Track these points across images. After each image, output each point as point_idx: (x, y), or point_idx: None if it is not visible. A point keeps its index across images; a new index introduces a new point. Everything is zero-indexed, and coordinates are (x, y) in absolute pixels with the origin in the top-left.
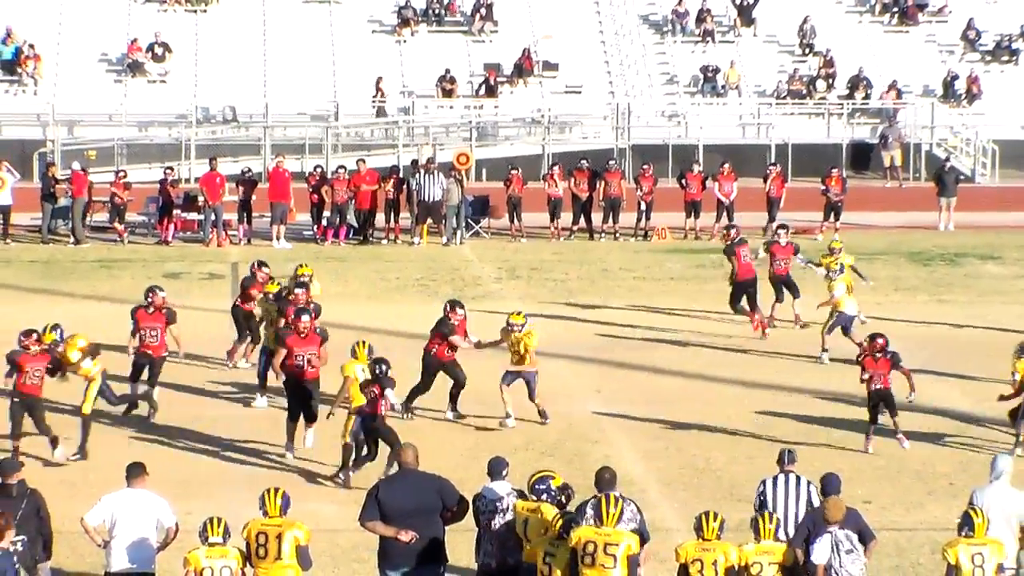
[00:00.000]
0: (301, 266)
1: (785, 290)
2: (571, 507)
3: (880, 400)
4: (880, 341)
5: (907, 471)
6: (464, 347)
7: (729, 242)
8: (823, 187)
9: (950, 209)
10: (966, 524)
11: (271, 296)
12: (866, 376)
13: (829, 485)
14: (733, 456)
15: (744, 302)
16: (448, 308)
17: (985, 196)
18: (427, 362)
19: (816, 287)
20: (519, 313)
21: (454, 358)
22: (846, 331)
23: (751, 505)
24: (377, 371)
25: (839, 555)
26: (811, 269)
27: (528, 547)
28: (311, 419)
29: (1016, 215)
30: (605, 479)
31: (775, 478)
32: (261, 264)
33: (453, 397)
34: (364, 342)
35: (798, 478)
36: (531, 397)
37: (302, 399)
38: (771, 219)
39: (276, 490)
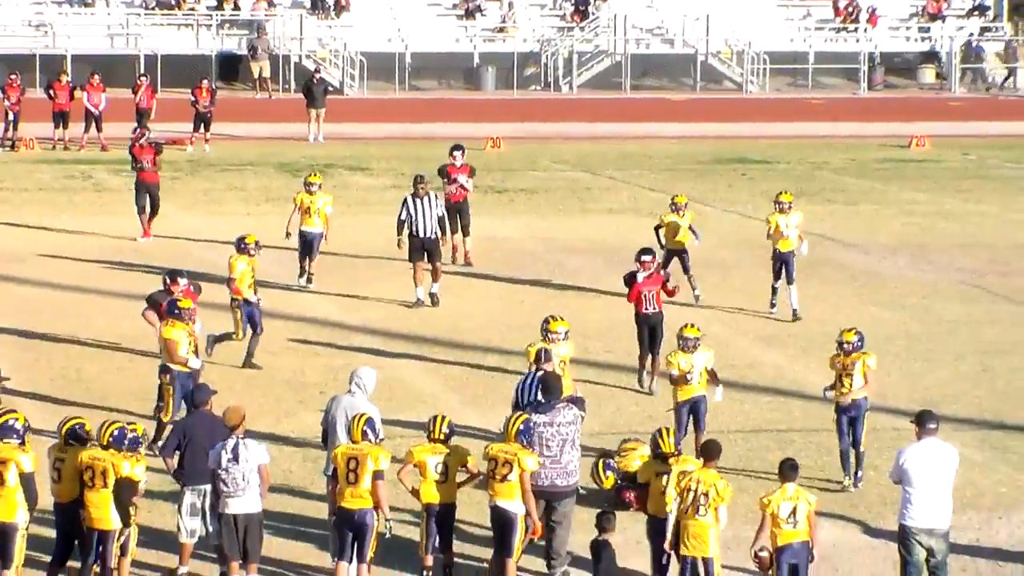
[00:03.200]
0: None
1: (459, 218)
2: None
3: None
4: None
5: (279, 381)
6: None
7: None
8: (192, 98)
9: (319, 120)
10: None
11: None
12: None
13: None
14: (104, 367)
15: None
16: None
17: (353, 107)
18: None
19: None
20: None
21: None
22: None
23: (125, 414)
24: None
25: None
26: None
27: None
28: None
29: (383, 126)
30: None
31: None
32: None
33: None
34: None
35: None
36: None
37: None
38: (140, 126)
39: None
